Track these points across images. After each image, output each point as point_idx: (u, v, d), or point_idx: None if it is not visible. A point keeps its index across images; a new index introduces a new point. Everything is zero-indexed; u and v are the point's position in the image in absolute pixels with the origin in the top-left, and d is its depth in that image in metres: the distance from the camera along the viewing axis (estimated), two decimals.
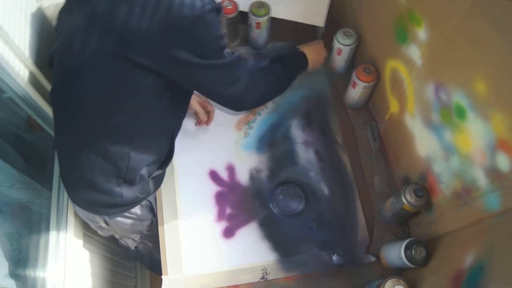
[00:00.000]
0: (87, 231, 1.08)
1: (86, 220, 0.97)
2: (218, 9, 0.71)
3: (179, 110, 0.92)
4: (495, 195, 0.61)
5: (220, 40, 0.75)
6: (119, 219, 0.93)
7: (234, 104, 0.87)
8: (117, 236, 1.05)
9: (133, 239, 1.07)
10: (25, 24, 0.87)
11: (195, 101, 1.04)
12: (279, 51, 1.19)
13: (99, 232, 1.02)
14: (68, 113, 0.80)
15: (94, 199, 0.85)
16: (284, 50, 1.17)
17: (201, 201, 0.99)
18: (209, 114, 1.07)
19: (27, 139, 1.06)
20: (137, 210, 0.93)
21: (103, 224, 0.95)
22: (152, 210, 0.98)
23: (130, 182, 0.84)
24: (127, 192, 0.85)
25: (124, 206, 0.89)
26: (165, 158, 0.92)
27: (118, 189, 0.84)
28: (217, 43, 0.74)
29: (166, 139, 0.90)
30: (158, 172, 0.91)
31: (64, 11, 0.82)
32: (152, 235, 1.04)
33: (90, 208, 0.90)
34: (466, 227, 0.71)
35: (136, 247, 1.12)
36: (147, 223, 0.99)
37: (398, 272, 0.90)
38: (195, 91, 0.91)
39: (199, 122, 1.08)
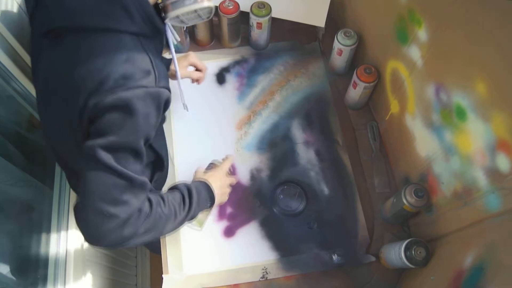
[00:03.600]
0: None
1: None
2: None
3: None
4: (495, 195, 0.62)
5: None
6: None
7: (93, 229, 0.58)
8: None
9: None
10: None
11: (184, 68, 0.98)
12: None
13: None
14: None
15: None
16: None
17: None
18: (201, 71, 1.02)
19: (28, 137, 1.06)
20: None
21: None
22: None
23: None
24: None
25: None
26: (155, 162, 0.88)
27: None
28: None
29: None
30: (157, 176, 0.91)
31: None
32: None
33: None
34: (466, 227, 0.71)
35: None
36: None
37: (398, 272, 0.90)
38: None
39: (195, 81, 1.03)
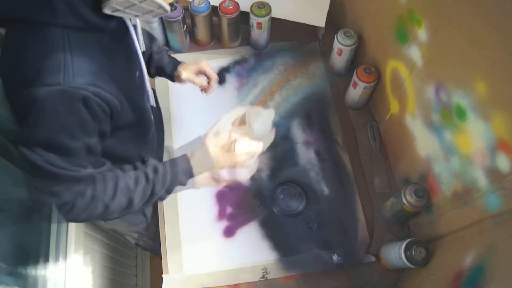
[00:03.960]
0: (88, 229, 1.08)
1: None
2: None
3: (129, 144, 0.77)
4: (495, 195, 0.62)
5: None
6: (116, 221, 0.94)
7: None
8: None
9: (132, 237, 1.08)
10: None
11: (191, 72, 0.92)
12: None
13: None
14: None
15: None
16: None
17: (202, 200, 0.99)
18: (210, 81, 0.95)
19: None
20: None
21: (102, 222, 0.96)
22: (145, 215, 0.99)
23: None
24: None
25: None
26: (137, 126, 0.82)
27: None
28: None
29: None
30: (139, 141, 0.85)
31: None
32: (149, 233, 1.05)
33: None
34: (466, 227, 0.71)
35: (136, 243, 1.13)
36: (142, 225, 1.00)
37: (398, 272, 0.90)
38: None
39: (202, 90, 0.96)
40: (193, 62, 0.94)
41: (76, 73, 0.55)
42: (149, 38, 0.92)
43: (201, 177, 0.74)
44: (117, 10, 0.56)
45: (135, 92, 0.70)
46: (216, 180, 0.76)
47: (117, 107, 0.62)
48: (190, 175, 0.71)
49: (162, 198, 0.70)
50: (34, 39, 0.54)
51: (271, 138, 0.79)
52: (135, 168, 0.69)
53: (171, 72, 0.92)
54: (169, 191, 0.70)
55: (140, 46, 0.69)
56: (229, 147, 0.71)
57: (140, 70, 0.71)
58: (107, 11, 0.56)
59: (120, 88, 0.62)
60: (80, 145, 0.59)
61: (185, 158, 0.70)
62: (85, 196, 0.62)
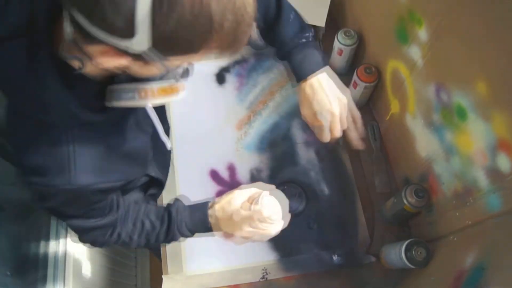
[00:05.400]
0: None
1: None
2: None
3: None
4: (496, 196, 0.61)
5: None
6: None
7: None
8: None
9: None
10: None
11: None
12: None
13: None
14: None
15: None
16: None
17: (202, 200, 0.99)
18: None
19: None
20: None
21: None
22: None
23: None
24: None
25: None
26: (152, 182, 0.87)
27: None
28: None
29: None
30: (152, 191, 0.90)
31: None
32: None
33: None
34: (467, 227, 0.70)
35: None
36: None
37: (398, 272, 0.90)
38: None
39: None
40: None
41: (80, 173, 0.54)
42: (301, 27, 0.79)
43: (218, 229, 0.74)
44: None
45: (145, 153, 0.72)
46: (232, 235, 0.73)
47: (127, 184, 0.68)
48: (207, 229, 0.73)
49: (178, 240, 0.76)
50: (38, 135, 0.53)
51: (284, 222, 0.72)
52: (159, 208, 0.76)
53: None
54: (186, 236, 0.75)
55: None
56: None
57: (152, 126, 0.67)
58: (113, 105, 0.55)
59: (129, 163, 0.64)
60: (96, 208, 0.64)
61: (205, 215, 0.73)
62: (105, 236, 0.70)
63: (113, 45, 0.41)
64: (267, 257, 0.93)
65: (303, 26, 0.79)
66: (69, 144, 0.53)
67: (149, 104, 0.54)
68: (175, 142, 1.06)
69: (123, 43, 0.40)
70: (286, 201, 0.70)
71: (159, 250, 0.94)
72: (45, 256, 0.96)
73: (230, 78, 1.16)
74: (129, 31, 0.39)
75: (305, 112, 0.78)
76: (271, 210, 0.66)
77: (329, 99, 0.74)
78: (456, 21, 0.63)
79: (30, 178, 0.54)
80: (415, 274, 0.84)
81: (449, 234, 0.77)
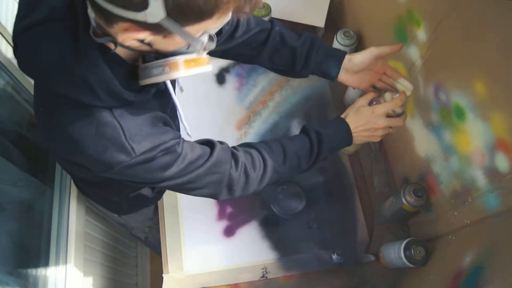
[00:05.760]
0: (89, 229, 1.08)
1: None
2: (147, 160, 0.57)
3: None
4: (494, 195, 0.62)
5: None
6: (132, 215, 0.98)
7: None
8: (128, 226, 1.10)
9: (143, 231, 1.09)
10: None
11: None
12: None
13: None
14: None
15: (104, 201, 0.88)
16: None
17: (202, 200, 0.99)
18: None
19: (29, 137, 1.06)
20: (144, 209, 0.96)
21: (116, 218, 1.00)
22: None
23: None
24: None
25: (132, 207, 0.91)
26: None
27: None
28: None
29: None
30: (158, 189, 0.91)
31: None
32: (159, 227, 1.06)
33: (102, 206, 0.96)
34: (465, 227, 0.71)
35: (146, 237, 1.14)
36: (156, 219, 1.01)
37: (397, 271, 0.90)
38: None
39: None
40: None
41: (137, 142, 0.54)
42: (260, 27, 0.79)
43: (358, 133, 0.77)
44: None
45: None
46: (373, 130, 0.76)
47: None
48: (348, 132, 0.76)
49: (326, 158, 0.77)
50: (87, 121, 0.52)
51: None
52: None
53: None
54: (332, 151, 0.77)
55: (175, 94, 0.66)
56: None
57: (178, 118, 0.71)
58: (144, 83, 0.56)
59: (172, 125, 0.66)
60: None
61: (341, 120, 0.77)
62: (237, 169, 0.68)
63: (131, 19, 0.43)
64: (267, 256, 0.93)
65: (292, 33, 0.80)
66: (115, 121, 0.53)
67: (180, 75, 0.55)
68: None
69: (140, 16, 0.42)
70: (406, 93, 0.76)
71: (159, 247, 0.95)
72: (46, 256, 0.96)
73: (230, 78, 1.16)
74: (143, 2, 0.41)
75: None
76: (399, 100, 0.75)
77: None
78: (455, 21, 0.64)
79: (96, 168, 0.55)
80: (414, 273, 0.84)
81: (448, 233, 0.77)
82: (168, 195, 1.00)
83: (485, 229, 0.65)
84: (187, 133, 0.70)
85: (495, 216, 0.62)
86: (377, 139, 0.78)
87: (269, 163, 0.70)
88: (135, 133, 0.54)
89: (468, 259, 0.66)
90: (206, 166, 0.64)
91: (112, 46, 0.51)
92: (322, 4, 1.10)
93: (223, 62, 1.18)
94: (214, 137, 1.08)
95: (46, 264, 0.95)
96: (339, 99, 1.13)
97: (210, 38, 0.53)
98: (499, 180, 0.60)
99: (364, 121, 0.75)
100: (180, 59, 0.54)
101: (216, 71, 1.17)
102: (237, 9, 0.46)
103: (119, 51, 0.52)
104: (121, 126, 0.53)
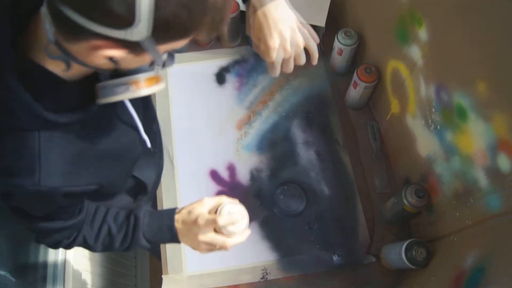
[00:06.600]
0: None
1: None
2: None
3: None
4: (496, 196, 0.61)
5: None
6: None
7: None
8: None
9: None
10: None
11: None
12: None
13: None
14: None
15: None
16: None
17: None
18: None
19: None
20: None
21: None
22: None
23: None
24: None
25: None
26: (138, 187, 0.85)
27: None
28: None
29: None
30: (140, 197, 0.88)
31: None
32: None
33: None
34: (467, 228, 0.70)
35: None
36: None
37: (398, 272, 0.90)
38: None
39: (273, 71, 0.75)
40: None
41: (48, 175, 0.53)
42: None
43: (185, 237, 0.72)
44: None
45: (126, 158, 0.68)
46: (196, 242, 0.71)
47: (108, 187, 0.64)
48: (173, 238, 0.71)
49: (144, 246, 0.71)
50: (5, 137, 0.51)
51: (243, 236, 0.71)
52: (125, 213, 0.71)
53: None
54: (151, 243, 0.71)
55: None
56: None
57: (134, 126, 0.67)
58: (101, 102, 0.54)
59: (107, 165, 0.62)
60: (64, 211, 0.62)
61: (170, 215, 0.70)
62: (70, 238, 0.67)
63: (109, 36, 0.41)
64: (267, 257, 0.93)
65: None
66: (35, 146, 0.51)
67: (142, 94, 0.54)
68: (175, 142, 1.06)
69: (120, 34, 0.40)
70: (246, 218, 0.70)
71: (159, 250, 0.94)
72: (45, 256, 0.96)
73: (230, 78, 1.16)
74: (129, 19, 0.39)
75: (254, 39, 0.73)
76: (231, 219, 0.68)
77: (270, 31, 0.68)
78: (457, 21, 0.63)
79: (4, 183, 0.52)
80: (415, 274, 0.84)
81: (450, 234, 0.77)
82: (168, 196, 0.99)
83: (487, 230, 0.64)
84: (148, 146, 0.69)
85: (497, 217, 0.62)
86: (202, 252, 0.71)
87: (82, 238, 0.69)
88: (53, 164, 0.53)
89: (470, 260, 0.65)
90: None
91: (62, 66, 0.47)
92: (323, 3, 1.10)
93: (223, 62, 1.18)
94: (214, 137, 1.08)
95: (44, 264, 0.95)
96: (339, 99, 1.13)
97: (170, 55, 0.52)
98: (501, 181, 0.60)
99: (187, 227, 0.69)
100: (142, 77, 0.54)
101: (216, 70, 1.17)
102: (210, 31, 0.45)
103: (73, 68, 0.49)
104: (40, 152, 0.51)
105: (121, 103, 0.61)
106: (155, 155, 0.88)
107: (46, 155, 0.52)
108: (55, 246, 0.68)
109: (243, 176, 1.02)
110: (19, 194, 0.54)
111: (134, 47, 0.43)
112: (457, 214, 0.73)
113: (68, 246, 0.69)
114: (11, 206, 0.58)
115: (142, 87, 0.54)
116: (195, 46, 1.21)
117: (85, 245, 0.69)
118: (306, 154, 1.05)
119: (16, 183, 0.52)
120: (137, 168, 0.78)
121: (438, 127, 0.76)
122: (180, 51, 1.19)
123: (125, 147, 0.66)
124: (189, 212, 0.69)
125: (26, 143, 0.51)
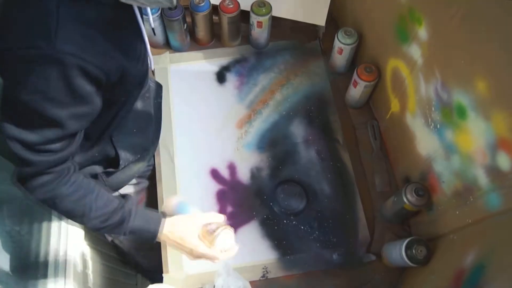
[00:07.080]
0: (89, 229, 1.08)
1: None
2: None
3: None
4: (496, 194, 0.62)
5: None
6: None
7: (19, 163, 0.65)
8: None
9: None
10: None
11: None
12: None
13: None
14: None
15: None
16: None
17: (202, 199, 0.99)
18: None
19: None
20: None
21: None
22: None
23: None
24: None
25: None
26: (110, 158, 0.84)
27: None
28: None
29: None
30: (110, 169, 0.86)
31: None
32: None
33: None
34: (467, 226, 0.71)
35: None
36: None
37: (399, 271, 0.90)
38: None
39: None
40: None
41: (65, 40, 0.51)
42: None
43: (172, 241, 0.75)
44: None
45: (135, 65, 0.67)
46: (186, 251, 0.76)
47: (109, 80, 0.60)
48: (153, 238, 0.73)
49: (116, 234, 0.72)
50: (27, 5, 0.51)
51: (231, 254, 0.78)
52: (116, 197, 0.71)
53: None
54: (126, 234, 0.71)
55: (142, 18, 0.65)
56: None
57: (142, 41, 0.68)
58: None
59: (115, 61, 0.60)
60: (64, 114, 0.57)
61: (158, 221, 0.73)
62: (59, 178, 0.63)
63: None
64: (267, 256, 0.93)
65: None
66: (54, 10, 0.50)
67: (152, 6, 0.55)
68: (175, 141, 1.06)
69: None
70: (233, 239, 0.78)
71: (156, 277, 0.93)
72: (46, 255, 0.96)
73: (231, 77, 1.16)
74: None
75: None
76: (226, 243, 0.75)
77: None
78: (456, 20, 0.63)
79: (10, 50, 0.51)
80: (416, 272, 0.84)
81: (450, 233, 0.77)
82: (168, 195, 0.99)
83: (487, 229, 0.65)
84: (152, 68, 0.70)
85: (497, 216, 0.62)
86: (190, 259, 0.76)
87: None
88: (71, 30, 0.52)
89: (470, 259, 0.65)
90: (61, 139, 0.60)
91: None
92: (323, 2, 1.10)
93: (223, 61, 1.18)
94: (215, 136, 1.08)
95: (45, 264, 0.95)
96: (339, 98, 1.13)
97: None
98: (501, 179, 0.60)
99: (176, 245, 0.74)
100: None
101: (216, 69, 1.17)
102: None
103: None
104: (59, 15, 0.50)
105: (138, 27, 0.63)
106: (149, 123, 0.90)
107: (64, 20, 0.51)
108: (40, 187, 0.64)
109: (243, 175, 1.02)
110: (37, 58, 0.51)
111: None
112: (457, 212, 0.74)
113: (54, 192, 0.64)
114: (20, 100, 0.54)
115: None
116: (196, 45, 1.21)
117: (77, 202, 0.66)
118: (306, 153, 1.05)
119: (33, 44, 0.50)
120: (122, 138, 0.80)
121: (438, 126, 0.76)
122: (181, 50, 1.19)
123: (133, 55, 0.66)
124: (181, 239, 0.73)
125: (46, 5, 0.50)
